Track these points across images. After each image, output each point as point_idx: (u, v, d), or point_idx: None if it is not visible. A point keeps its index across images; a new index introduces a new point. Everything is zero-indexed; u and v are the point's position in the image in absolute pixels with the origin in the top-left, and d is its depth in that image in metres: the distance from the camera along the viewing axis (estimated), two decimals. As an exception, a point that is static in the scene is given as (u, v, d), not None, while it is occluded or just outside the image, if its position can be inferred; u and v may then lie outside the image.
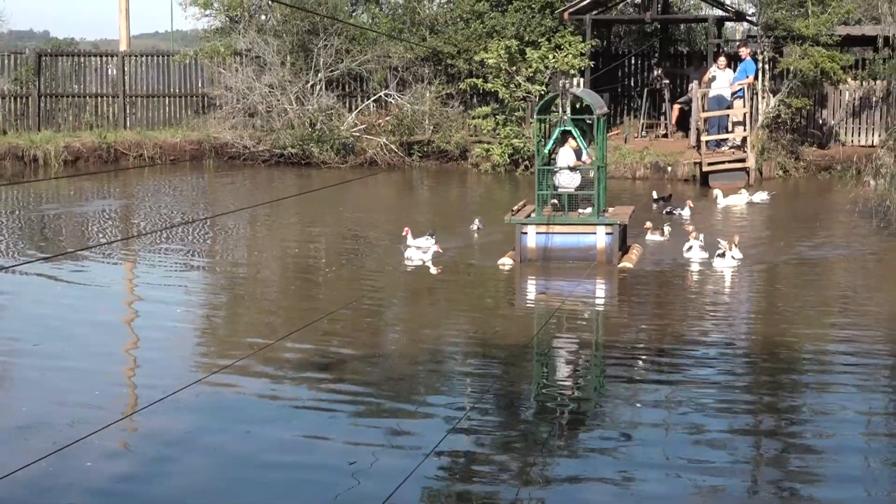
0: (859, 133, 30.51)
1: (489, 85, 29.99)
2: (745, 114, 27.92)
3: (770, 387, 11.44)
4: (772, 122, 28.89)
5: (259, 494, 8.69)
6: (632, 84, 33.55)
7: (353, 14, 35.30)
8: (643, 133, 31.18)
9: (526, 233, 17.29)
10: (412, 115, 31.43)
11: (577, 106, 17.55)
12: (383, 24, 33.09)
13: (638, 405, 10.89)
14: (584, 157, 17.57)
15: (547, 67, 29.29)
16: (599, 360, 12.85)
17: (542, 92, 28.19)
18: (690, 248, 17.85)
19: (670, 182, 28.00)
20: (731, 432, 9.99)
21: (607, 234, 17.22)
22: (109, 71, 34.91)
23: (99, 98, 34.60)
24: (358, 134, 31.61)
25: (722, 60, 28.35)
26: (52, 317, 14.63)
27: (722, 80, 28.13)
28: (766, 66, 28.91)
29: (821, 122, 30.51)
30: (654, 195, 24.14)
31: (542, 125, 17.89)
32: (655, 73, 32.30)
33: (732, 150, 27.98)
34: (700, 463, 9.27)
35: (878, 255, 18.65)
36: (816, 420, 10.44)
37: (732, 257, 17.20)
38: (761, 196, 24.58)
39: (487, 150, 30.19)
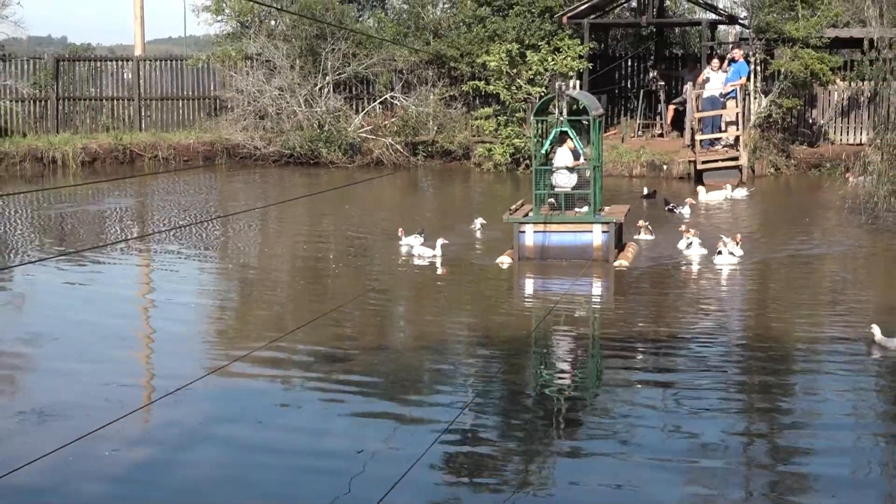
0: (848, 132, 30.51)
1: (491, 87, 30.05)
2: (737, 114, 27.94)
3: (763, 379, 11.49)
4: (763, 122, 28.91)
5: (271, 481, 8.75)
6: (628, 85, 33.60)
7: (360, 19, 35.34)
8: (639, 133, 31.24)
9: (524, 232, 17.21)
10: (417, 117, 31.51)
11: (574, 107, 17.54)
12: (389, 28, 33.14)
13: (638, 386, 10.98)
14: (581, 157, 17.54)
15: (546, 70, 29.32)
16: (597, 354, 12.91)
17: (542, 93, 28.18)
18: (690, 244, 17.80)
19: (665, 180, 28.05)
20: (727, 433, 10.04)
21: (603, 232, 17.14)
22: (125, 75, 34.97)
23: (115, 101, 34.64)
24: (364, 135, 31.67)
25: (715, 62, 28.37)
26: (70, 310, 14.72)
27: (715, 81, 28.15)
28: (758, 68, 28.93)
29: (811, 121, 30.52)
30: (645, 191, 24.44)
31: (540, 126, 17.87)
32: (651, 74, 32.33)
33: (726, 148, 28.00)
34: (694, 451, 9.34)
35: (866, 250, 18.64)
36: (807, 414, 10.50)
37: (731, 254, 17.14)
38: (741, 192, 24.76)
39: (489, 150, 30.25)
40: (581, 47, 29.87)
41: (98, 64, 35.14)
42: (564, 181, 17.35)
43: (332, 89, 31.90)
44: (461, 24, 32.02)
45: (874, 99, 29.69)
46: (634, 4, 33.74)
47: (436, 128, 31.60)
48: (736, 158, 27.57)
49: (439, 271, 16.98)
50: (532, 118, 18.29)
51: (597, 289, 16.22)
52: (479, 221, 20.18)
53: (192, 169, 31.70)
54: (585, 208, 17.31)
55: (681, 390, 10.97)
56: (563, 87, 16.99)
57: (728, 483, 8.71)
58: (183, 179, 30.11)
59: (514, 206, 18.05)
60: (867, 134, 28.61)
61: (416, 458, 8.63)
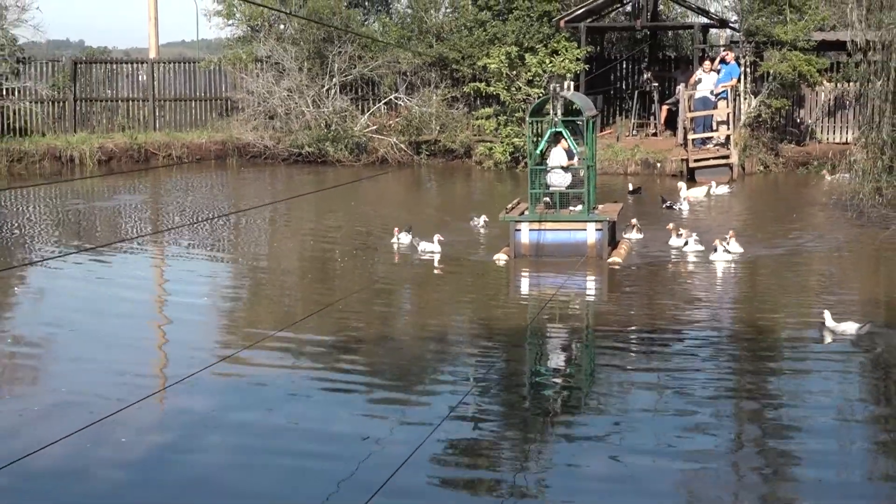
0: (834, 131, 30.53)
1: (491, 88, 30.08)
2: (728, 113, 27.94)
3: (753, 369, 11.54)
4: (753, 121, 28.92)
5: (280, 466, 8.80)
6: (623, 86, 33.58)
7: (366, 23, 35.37)
8: (634, 132, 31.23)
9: (519, 230, 17.07)
10: (420, 117, 31.54)
11: (570, 108, 17.48)
12: (393, 32, 33.17)
13: (630, 371, 11.03)
14: (575, 157, 17.45)
15: (545, 71, 29.34)
16: (591, 345, 12.95)
17: (541, 94, 28.20)
18: (686, 242, 17.74)
19: (659, 177, 28.08)
20: (717, 416, 10.10)
21: (597, 230, 17.03)
22: (140, 77, 34.99)
23: (130, 102, 34.67)
24: (370, 134, 31.71)
25: (707, 64, 28.38)
26: (87, 302, 14.78)
27: (707, 82, 28.16)
28: (748, 70, 28.94)
29: (798, 121, 30.53)
30: (630, 187, 24.62)
31: (535, 126, 17.81)
32: (645, 76, 32.34)
33: (717, 147, 28.00)
34: (686, 437, 9.39)
35: (851, 244, 18.65)
36: (794, 401, 10.55)
37: (726, 251, 17.04)
38: (723, 189, 24.92)
39: (490, 149, 30.30)
40: (578, 50, 29.91)
41: (114, 66, 35.17)
42: (559, 180, 17.23)
43: (338, 90, 31.94)
44: (463, 27, 32.03)
45: (859, 99, 29.62)
46: (629, 9, 33.74)
47: (438, 127, 31.62)
48: (727, 157, 27.58)
49: (436, 268, 16.97)
50: (527, 119, 18.24)
51: (591, 284, 16.11)
52: (482, 219, 20.10)
53: (205, 167, 31.76)
54: (579, 207, 17.21)
55: (672, 379, 11.01)
56: (558, 89, 16.91)
57: (719, 468, 8.74)
58: (196, 177, 30.17)
59: (510, 205, 17.94)
60: (853, 133, 28.61)
61: (419, 442, 8.67)
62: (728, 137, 27.83)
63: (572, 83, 19.55)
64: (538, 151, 17.38)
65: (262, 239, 20.57)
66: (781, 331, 13.06)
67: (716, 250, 17.01)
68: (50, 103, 33.82)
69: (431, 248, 17.60)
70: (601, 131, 29.93)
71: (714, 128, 28.14)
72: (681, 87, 29.16)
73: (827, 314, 12.59)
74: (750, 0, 28.92)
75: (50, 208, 24.62)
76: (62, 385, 10.97)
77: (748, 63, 28.86)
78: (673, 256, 17.59)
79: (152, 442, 9.38)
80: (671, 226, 18.55)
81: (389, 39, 32.32)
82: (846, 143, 28.73)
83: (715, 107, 28.02)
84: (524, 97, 29.66)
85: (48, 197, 26.13)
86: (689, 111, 28.18)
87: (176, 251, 18.96)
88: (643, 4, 31.57)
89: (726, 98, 27.97)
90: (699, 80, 28.26)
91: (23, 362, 12.06)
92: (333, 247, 19.24)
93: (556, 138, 17.28)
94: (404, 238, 18.21)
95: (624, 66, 33.87)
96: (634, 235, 18.80)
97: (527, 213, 17.33)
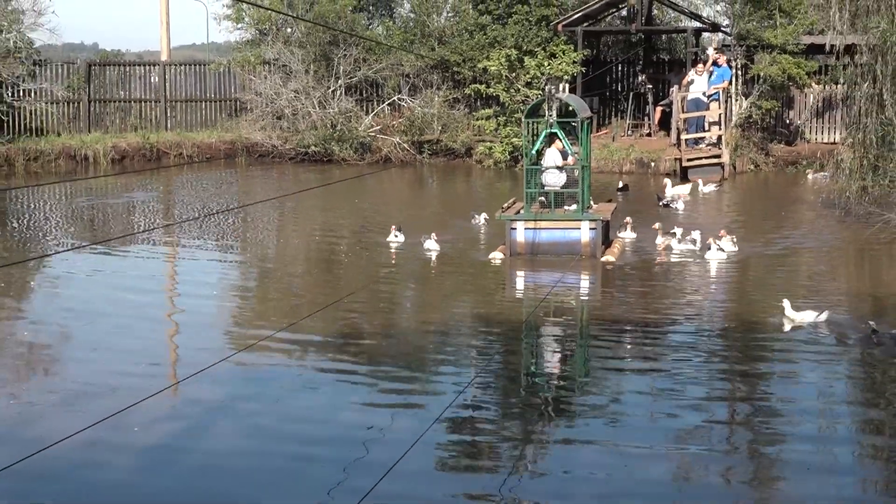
0: (822, 132, 30.59)
1: (491, 90, 30.14)
2: (720, 114, 27.99)
3: (744, 364, 11.59)
4: (744, 122, 28.96)
5: (288, 454, 8.85)
6: (619, 88, 33.62)
7: (370, 27, 35.38)
8: (629, 132, 31.27)
9: (515, 228, 16.99)
10: (422, 117, 31.59)
11: (565, 110, 17.43)
12: (397, 35, 33.19)
13: (625, 371, 11.08)
14: (570, 157, 17.41)
15: (543, 74, 29.36)
16: (585, 338, 12.99)
17: (539, 96, 28.21)
18: (681, 241, 17.71)
19: (653, 176, 28.11)
20: (707, 399, 10.16)
21: (591, 229, 16.93)
22: (152, 78, 35.01)
23: (142, 103, 34.70)
24: (374, 134, 31.75)
25: (700, 66, 28.41)
26: (101, 296, 14.79)
27: (699, 84, 28.18)
28: (739, 72, 28.96)
29: (788, 121, 30.57)
30: (620, 185, 24.78)
31: (531, 127, 17.74)
32: (640, 78, 32.35)
33: (709, 147, 28.04)
34: (679, 432, 9.44)
35: (838, 241, 18.67)
36: (782, 390, 10.60)
37: (720, 249, 16.94)
38: (709, 186, 25.00)
39: (490, 149, 30.35)
40: (575, 53, 29.96)
41: (127, 68, 35.20)
42: (554, 180, 17.16)
43: (343, 92, 31.97)
44: (464, 31, 32.06)
45: (846, 101, 29.72)
46: (625, 13, 33.74)
47: (440, 128, 31.67)
48: (718, 156, 27.62)
49: (433, 264, 16.96)
50: (523, 120, 18.21)
51: (585, 282, 16.04)
52: (482, 217, 20.06)
53: (215, 166, 31.81)
54: (574, 206, 17.16)
55: (665, 375, 11.06)
56: (553, 91, 16.89)
57: (711, 462, 8.75)
58: (206, 175, 30.21)
59: (506, 204, 17.83)
60: (840, 133, 28.65)
61: (422, 431, 8.72)
62: (720, 137, 27.86)
63: (567, 85, 19.53)
64: (534, 151, 17.37)
65: (269, 236, 20.59)
66: (770, 325, 13.05)
67: (709, 248, 16.96)
68: (65, 104, 33.83)
69: (431, 246, 17.59)
70: (597, 132, 30.00)
71: (706, 128, 28.18)
72: (674, 88, 29.21)
73: (786, 303, 12.82)
74: (741, 5, 28.94)
75: (63, 205, 24.66)
76: (77, 377, 11.01)
77: (739, 66, 28.88)
78: (665, 254, 17.45)
79: (164, 433, 9.40)
80: (657, 226, 18.42)
81: (393, 43, 32.36)
82: (834, 143, 28.78)
83: (707, 108, 28.05)
84: (523, 98, 29.68)
85: (67, 191, 26.16)
86: (683, 112, 28.21)
87: (187, 246, 18.98)
88: (638, 9, 31.57)
89: (718, 100, 28.00)
90: (691, 81, 28.28)
91: (39, 353, 12.10)
92: (338, 243, 19.25)
93: (551, 139, 17.25)
94: (400, 236, 18.18)
95: (619, 68, 33.91)
96: (628, 234, 18.77)
97: (522, 212, 17.26)
